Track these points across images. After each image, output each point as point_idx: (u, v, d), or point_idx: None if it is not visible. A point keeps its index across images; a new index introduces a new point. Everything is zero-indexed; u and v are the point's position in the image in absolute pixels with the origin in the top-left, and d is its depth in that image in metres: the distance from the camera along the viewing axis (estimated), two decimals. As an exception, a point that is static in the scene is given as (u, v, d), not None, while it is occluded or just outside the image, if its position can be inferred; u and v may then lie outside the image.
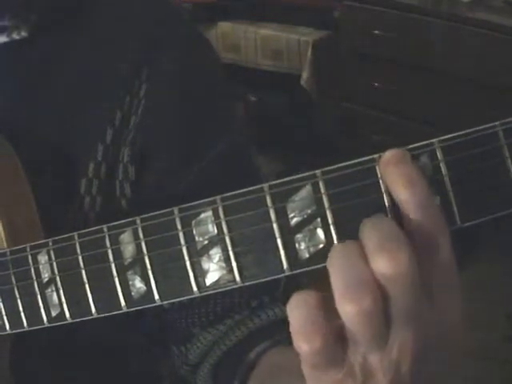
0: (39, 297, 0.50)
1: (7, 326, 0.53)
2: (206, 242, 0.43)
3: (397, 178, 0.39)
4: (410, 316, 0.40)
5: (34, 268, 0.50)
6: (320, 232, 0.41)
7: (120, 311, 0.47)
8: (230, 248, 0.42)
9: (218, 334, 0.67)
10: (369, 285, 0.38)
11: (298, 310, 0.40)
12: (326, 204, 0.40)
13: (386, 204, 0.40)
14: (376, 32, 2.53)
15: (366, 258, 0.39)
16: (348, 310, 0.39)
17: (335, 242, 0.40)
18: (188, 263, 0.43)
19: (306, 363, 0.41)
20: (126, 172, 0.65)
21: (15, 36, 0.63)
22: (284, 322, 0.43)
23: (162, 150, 0.66)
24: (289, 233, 0.41)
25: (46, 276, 0.50)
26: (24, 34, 0.63)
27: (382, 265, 0.38)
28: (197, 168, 0.66)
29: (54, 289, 0.49)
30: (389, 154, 0.40)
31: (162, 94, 0.66)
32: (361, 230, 0.40)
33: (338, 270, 0.39)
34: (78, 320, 0.49)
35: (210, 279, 0.43)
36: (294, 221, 0.41)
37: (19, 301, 0.51)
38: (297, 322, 0.40)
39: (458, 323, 0.43)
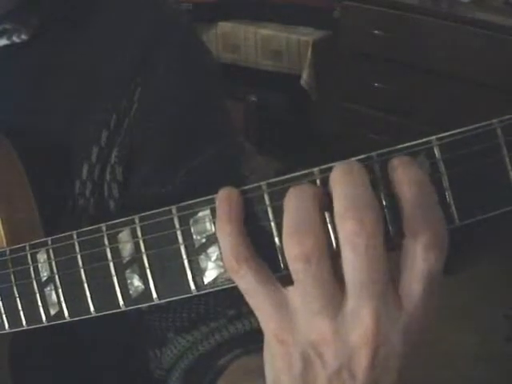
0: (38, 295, 0.50)
1: (6, 325, 0.53)
2: (203, 240, 0.43)
3: (404, 177, 0.38)
4: (368, 290, 0.39)
5: (33, 267, 0.50)
6: None
7: (118, 310, 0.47)
8: None
9: (192, 340, 0.67)
10: (314, 228, 0.38)
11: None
12: (324, 202, 0.40)
13: (384, 202, 0.40)
14: (376, 32, 2.54)
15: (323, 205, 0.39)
16: (291, 251, 0.39)
17: (333, 239, 0.40)
18: (186, 262, 0.43)
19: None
20: (113, 173, 0.65)
21: (16, 39, 0.63)
22: (259, 333, 0.43)
23: (149, 152, 0.66)
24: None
25: (44, 275, 0.50)
26: (24, 37, 0.63)
27: (347, 225, 0.38)
28: (183, 172, 0.66)
29: (52, 287, 0.49)
30: (397, 159, 0.39)
31: (154, 98, 0.66)
32: (332, 179, 0.39)
33: (291, 210, 0.39)
34: (76, 319, 0.49)
35: (207, 278, 0.43)
36: None
37: (18, 299, 0.51)
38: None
39: (426, 332, 0.41)
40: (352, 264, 0.38)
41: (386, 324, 0.39)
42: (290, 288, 0.40)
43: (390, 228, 0.39)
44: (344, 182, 0.39)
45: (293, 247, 0.39)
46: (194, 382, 0.67)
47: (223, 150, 0.69)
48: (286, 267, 0.40)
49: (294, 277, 0.39)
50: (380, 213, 0.38)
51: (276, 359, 0.42)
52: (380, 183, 0.39)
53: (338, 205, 0.38)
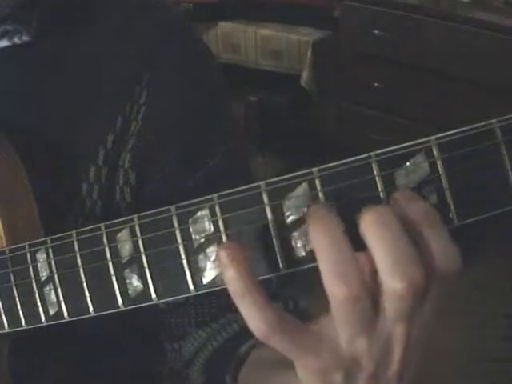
0: (37, 295, 0.50)
1: (5, 325, 0.53)
2: (202, 239, 0.43)
3: (413, 215, 0.39)
4: (403, 316, 0.40)
5: (33, 266, 0.50)
6: None
7: (117, 310, 0.47)
8: None
9: (211, 332, 0.68)
10: (355, 267, 0.39)
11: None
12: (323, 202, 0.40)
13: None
14: (376, 32, 2.53)
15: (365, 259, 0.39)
16: (338, 293, 0.39)
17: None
18: (185, 261, 0.43)
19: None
20: (126, 177, 0.66)
21: (17, 40, 0.63)
22: None
23: (162, 157, 0.66)
24: (285, 230, 0.41)
25: (44, 274, 0.50)
26: (25, 38, 0.63)
27: (396, 285, 0.39)
28: (197, 175, 0.66)
29: (52, 287, 0.49)
30: (399, 194, 0.40)
31: (162, 102, 0.66)
32: (368, 232, 0.39)
33: (324, 249, 0.39)
34: (75, 318, 0.49)
35: (206, 278, 0.43)
36: (290, 218, 0.41)
37: (17, 299, 0.51)
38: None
39: (432, 327, 0.43)
40: (398, 311, 0.40)
41: (415, 326, 0.41)
42: (323, 321, 0.42)
43: None
44: (383, 234, 0.39)
45: (340, 289, 0.39)
46: (215, 371, 0.67)
47: (233, 148, 0.69)
48: (286, 268, 0.40)
49: (338, 315, 0.40)
50: (422, 264, 0.39)
51: (315, 382, 0.43)
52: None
53: (381, 262, 0.39)
